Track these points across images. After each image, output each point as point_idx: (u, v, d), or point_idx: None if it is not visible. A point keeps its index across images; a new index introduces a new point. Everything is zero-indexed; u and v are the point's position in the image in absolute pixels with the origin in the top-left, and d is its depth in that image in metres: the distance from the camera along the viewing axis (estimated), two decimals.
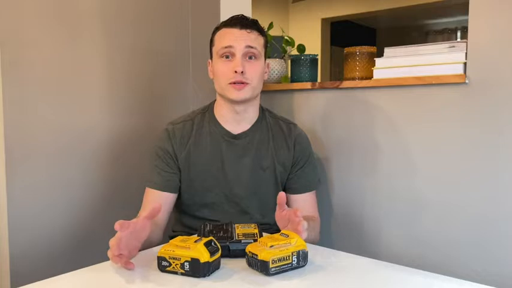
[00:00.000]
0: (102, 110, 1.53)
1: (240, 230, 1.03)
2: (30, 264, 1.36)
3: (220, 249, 0.92)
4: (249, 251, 0.90)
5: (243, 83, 1.22)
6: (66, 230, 1.45)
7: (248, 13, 1.81)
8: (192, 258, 0.86)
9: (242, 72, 1.21)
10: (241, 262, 0.93)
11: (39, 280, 0.85)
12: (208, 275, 0.87)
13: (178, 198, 1.33)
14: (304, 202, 1.33)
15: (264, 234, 1.03)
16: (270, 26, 1.71)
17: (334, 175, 1.54)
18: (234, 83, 1.22)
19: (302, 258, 0.92)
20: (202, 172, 1.29)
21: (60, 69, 1.41)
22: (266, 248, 0.88)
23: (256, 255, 0.88)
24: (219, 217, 1.28)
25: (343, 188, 1.53)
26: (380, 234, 1.45)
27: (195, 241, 0.88)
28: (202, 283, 0.85)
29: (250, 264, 0.91)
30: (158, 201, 1.23)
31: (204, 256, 0.86)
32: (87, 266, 0.93)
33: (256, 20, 1.30)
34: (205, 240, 0.89)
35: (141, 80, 1.64)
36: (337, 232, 1.55)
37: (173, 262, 0.88)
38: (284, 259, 0.89)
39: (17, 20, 1.31)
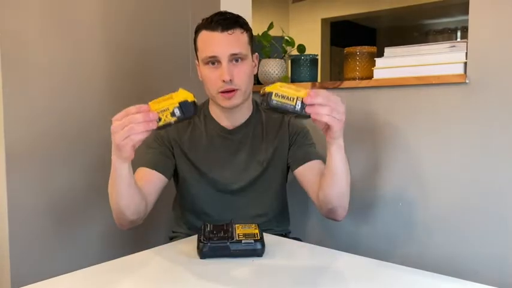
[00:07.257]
0: (102, 109, 1.53)
1: (240, 230, 1.03)
2: (31, 264, 1.36)
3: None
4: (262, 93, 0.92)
5: (232, 90, 1.20)
6: (66, 229, 1.45)
7: (248, 13, 1.81)
8: (180, 102, 0.89)
9: (230, 80, 1.18)
10: (241, 262, 0.93)
11: (39, 280, 0.85)
12: (197, 114, 0.89)
13: (175, 197, 1.32)
14: (313, 169, 1.24)
15: (264, 234, 1.03)
16: (270, 26, 1.71)
17: None
18: (224, 91, 1.20)
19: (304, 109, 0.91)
20: (198, 168, 1.29)
21: (59, 69, 1.41)
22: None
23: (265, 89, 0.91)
24: (216, 212, 1.28)
25: None
26: (380, 234, 1.45)
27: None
28: (199, 283, 0.85)
29: (262, 103, 0.92)
30: (148, 178, 1.18)
31: (190, 96, 0.89)
32: (87, 266, 0.93)
33: (238, 15, 1.24)
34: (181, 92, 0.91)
35: (141, 79, 1.64)
36: (337, 232, 1.55)
37: (163, 114, 0.89)
38: (288, 99, 0.90)
39: (17, 19, 1.31)
